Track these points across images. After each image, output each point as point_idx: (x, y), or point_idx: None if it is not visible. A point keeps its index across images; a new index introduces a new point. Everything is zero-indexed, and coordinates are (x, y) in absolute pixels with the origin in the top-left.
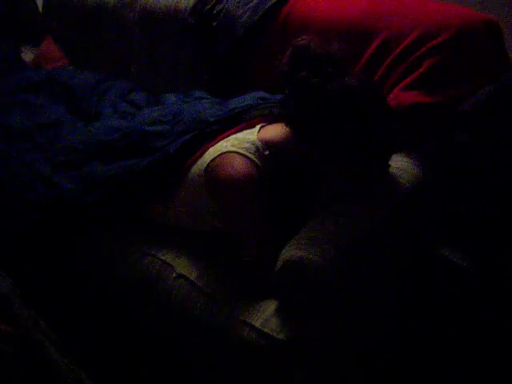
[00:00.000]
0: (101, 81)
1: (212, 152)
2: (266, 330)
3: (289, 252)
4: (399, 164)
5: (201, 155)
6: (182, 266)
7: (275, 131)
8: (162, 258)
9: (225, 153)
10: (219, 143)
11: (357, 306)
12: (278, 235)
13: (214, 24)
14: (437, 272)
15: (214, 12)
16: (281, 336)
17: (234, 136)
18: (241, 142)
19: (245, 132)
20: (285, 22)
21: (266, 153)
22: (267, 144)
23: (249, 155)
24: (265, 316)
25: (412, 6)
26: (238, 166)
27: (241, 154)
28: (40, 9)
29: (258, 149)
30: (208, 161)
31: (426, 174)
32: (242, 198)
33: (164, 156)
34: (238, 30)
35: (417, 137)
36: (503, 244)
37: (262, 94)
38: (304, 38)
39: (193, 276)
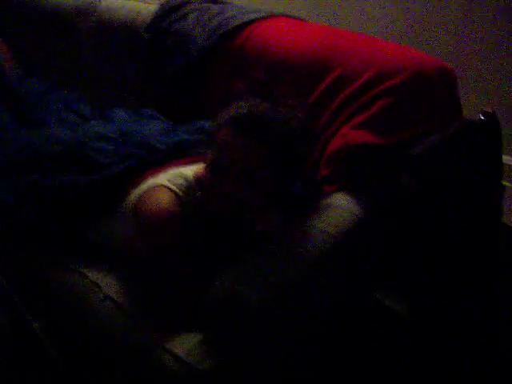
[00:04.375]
0: (48, 90)
1: (149, 182)
2: (188, 359)
3: (222, 286)
4: (341, 202)
5: (141, 181)
6: (110, 287)
7: None
8: (90, 276)
9: (158, 186)
10: (159, 175)
11: (287, 344)
12: (201, 272)
13: (169, 42)
14: (370, 315)
15: (171, 30)
16: (202, 367)
17: (172, 169)
18: (177, 176)
19: (186, 167)
20: (242, 47)
21: (198, 193)
22: (201, 184)
23: (178, 192)
24: (189, 346)
25: (369, 45)
26: (163, 202)
27: (171, 190)
28: None
29: (190, 187)
30: (142, 190)
31: (368, 215)
32: (158, 233)
33: (106, 176)
34: (193, 50)
35: (362, 177)
36: (438, 292)
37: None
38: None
39: (120, 298)
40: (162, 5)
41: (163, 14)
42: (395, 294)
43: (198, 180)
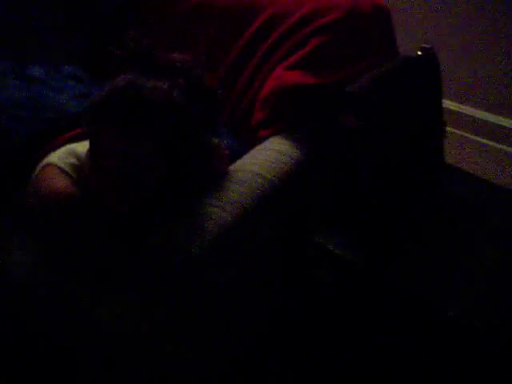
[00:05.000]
0: None
1: (44, 160)
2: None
3: (157, 240)
4: (279, 147)
5: (53, 148)
6: None
7: None
8: None
9: (50, 165)
10: (55, 151)
11: (229, 298)
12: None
13: None
14: (311, 259)
15: None
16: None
17: (68, 145)
18: (69, 155)
19: (82, 142)
20: None
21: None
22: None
23: (70, 172)
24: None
25: None
26: (56, 183)
27: (62, 171)
28: None
29: (81, 168)
30: (39, 166)
31: (306, 157)
32: (57, 215)
33: (15, 143)
34: None
35: (298, 119)
36: (379, 233)
37: None
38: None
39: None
40: None
41: None
42: (337, 238)
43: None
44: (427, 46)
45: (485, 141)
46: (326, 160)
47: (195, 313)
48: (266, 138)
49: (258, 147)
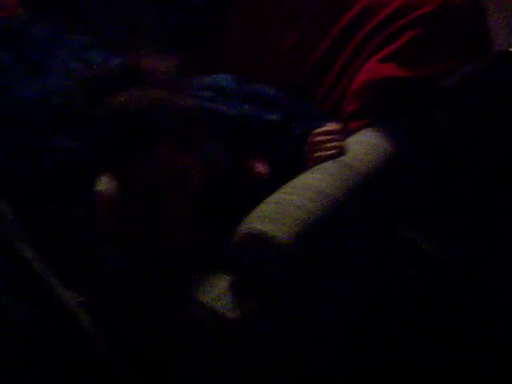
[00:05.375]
0: (55, 34)
1: None
2: (216, 307)
3: (244, 227)
4: (370, 139)
5: None
6: None
7: None
8: None
9: None
10: None
11: (315, 285)
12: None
13: None
14: (402, 255)
15: None
16: (231, 315)
17: None
18: None
19: None
20: None
21: None
22: None
23: None
24: (216, 293)
25: None
26: None
27: None
28: None
29: None
30: None
31: (397, 151)
32: None
33: None
34: None
35: (390, 112)
36: (471, 230)
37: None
38: None
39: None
40: None
41: None
42: (424, 233)
43: None
44: None
45: None
46: (418, 154)
47: (283, 306)
48: (356, 130)
49: (349, 139)
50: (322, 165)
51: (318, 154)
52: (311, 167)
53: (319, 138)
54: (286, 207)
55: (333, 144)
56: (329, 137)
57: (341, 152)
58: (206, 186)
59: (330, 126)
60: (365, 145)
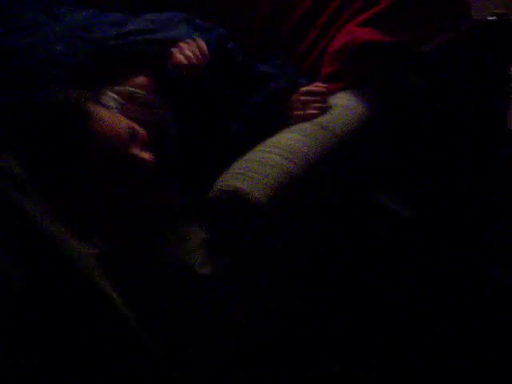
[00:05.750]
0: None
1: None
2: (188, 261)
3: (225, 181)
4: (345, 102)
5: None
6: None
7: None
8: None
9: None
10: None
11: (288, 247)
12: None
13: None
14: (372, 217)
15: None
16: (202, 271)
17: None
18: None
19: None
20: None
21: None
22: None
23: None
24: (189, 248)
25: None
26: None
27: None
28: None
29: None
30: None
31: (372, 114)
32: None
33: None
34: None
35: (366, 75)
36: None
37: None
38: None
39: None
40: None
41: None
42: (397, 195)
43: None
44: (500, 12)
45: None
46: (391, 117)
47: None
48: (333, 92)
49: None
50: (300, 125)
51: (300, 112)
52: (291, 124)
53: (304, 98)
54: (263, 165)
55: (315, 105)
56: (312, 98)
57: (321, 113)
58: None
59: (316, 87)
60: (340, 107)
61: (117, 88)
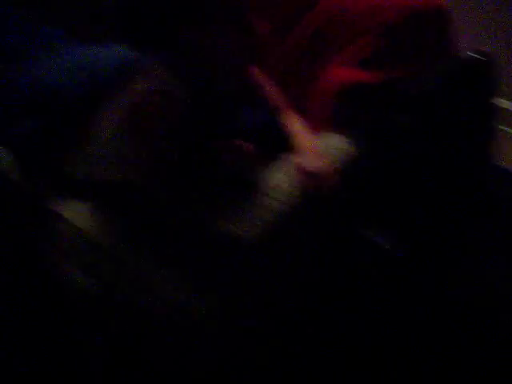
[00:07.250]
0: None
1: None
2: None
3: (215, 223)
4: (333, 142)
5: None
6: None
7: None
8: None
9: None
10: None
11: (278, 285)
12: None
13: None
14: (359, 253)
15: None
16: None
17: None
18: None
19: None
20: None
21: None
22: None
23: None
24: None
25: None
26: None
27: None
28: None
29: None
30: None
31: (359, 153)
32: None
33: None
34: None
35: (353, 115)
36: (429, 229)
37: None
38: None
39: None
40: None
41: None
42: (385, 232)
43: None
44: (484, 50)
45: None
46: (378, 155)
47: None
48: (319, 131)
49: None
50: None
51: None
52: None
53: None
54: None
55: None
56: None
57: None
58: None
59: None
60: (328, 148)
61: None
